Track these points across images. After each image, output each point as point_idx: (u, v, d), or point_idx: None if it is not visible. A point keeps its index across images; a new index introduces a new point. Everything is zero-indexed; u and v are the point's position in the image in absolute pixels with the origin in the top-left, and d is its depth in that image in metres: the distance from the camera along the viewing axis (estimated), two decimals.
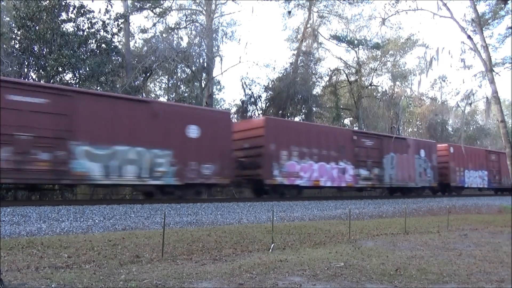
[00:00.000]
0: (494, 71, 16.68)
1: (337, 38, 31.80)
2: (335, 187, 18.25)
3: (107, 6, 19.27)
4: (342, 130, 19.99)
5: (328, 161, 16.42)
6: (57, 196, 15.11)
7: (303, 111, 29.52)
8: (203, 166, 12.92)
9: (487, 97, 17.30)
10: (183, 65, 23.93)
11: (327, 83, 33.40)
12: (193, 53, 23.87)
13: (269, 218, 10.79)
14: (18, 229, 7.82)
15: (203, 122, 13.05)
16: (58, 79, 17.19)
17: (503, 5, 19.27)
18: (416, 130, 44.08)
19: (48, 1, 16.95)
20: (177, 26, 26.08)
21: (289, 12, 30.66)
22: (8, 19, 19.04)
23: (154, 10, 25.84)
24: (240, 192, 20.65)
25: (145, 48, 24.05)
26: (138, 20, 33.27)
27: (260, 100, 29.06)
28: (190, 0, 28.07)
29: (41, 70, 16.94)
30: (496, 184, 27.33)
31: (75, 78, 18.08)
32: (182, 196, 12.97)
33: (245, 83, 28.73)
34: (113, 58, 20.22)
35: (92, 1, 33.07)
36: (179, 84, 27.13)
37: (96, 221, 9.11)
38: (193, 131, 12.81)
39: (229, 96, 76.37)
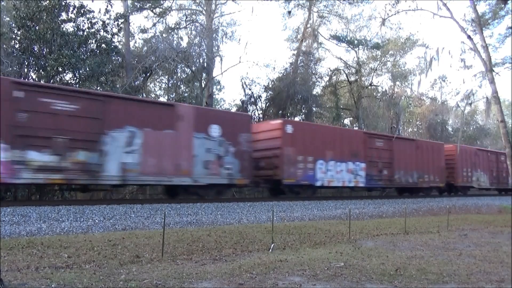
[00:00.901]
0: (494, 71, 16.72)
1: (337, 38, 31.85)
2: None
3: (107, 6, 19.28)
4: None
5: None
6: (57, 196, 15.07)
7: (303, 111, 29.52)
8: None
9: (487, 97, 17.36)
10: (183, 65, 23.93)
11: (327, 83, 33.44)
12: (193, 53, 23.86)
13: (269, 218, 10.79)
14: (18, 229, 7.82)
15: None
16: (58, 79, 17.19)
17: (503, 5, 19.31)
18: (416, 130, 44.10)
19: (48, 1, 16.93)
20: (177, 26, 26.10)
21: (289, 12, 30.71)
22: (8, 19, 19.03)
23: (154, 10, 25.86)
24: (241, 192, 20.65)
25: (145, 48, 24.06)
26: (138, 20, 33.37)
27: (260, 100, 29.08)
28: (190, 0, 28.12)
29: (41, 70, 16.93)
30: (382, 182, 18.87)
31: (75, 78, 18.08)
32: None
33: (245, 83, 28.73)
34: (113, 58, 20.22)
35: (92, 1, 33.11)
36: (179, 84, 27.14)
37: (96, 221, 9.11)
38: None
39: (229, 96, 76.52)
